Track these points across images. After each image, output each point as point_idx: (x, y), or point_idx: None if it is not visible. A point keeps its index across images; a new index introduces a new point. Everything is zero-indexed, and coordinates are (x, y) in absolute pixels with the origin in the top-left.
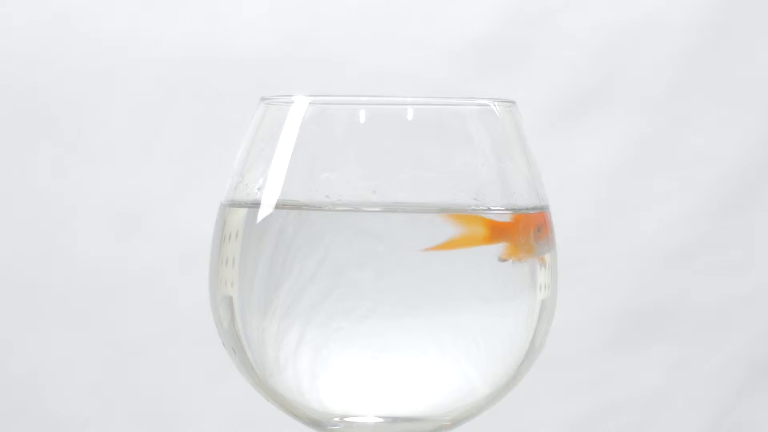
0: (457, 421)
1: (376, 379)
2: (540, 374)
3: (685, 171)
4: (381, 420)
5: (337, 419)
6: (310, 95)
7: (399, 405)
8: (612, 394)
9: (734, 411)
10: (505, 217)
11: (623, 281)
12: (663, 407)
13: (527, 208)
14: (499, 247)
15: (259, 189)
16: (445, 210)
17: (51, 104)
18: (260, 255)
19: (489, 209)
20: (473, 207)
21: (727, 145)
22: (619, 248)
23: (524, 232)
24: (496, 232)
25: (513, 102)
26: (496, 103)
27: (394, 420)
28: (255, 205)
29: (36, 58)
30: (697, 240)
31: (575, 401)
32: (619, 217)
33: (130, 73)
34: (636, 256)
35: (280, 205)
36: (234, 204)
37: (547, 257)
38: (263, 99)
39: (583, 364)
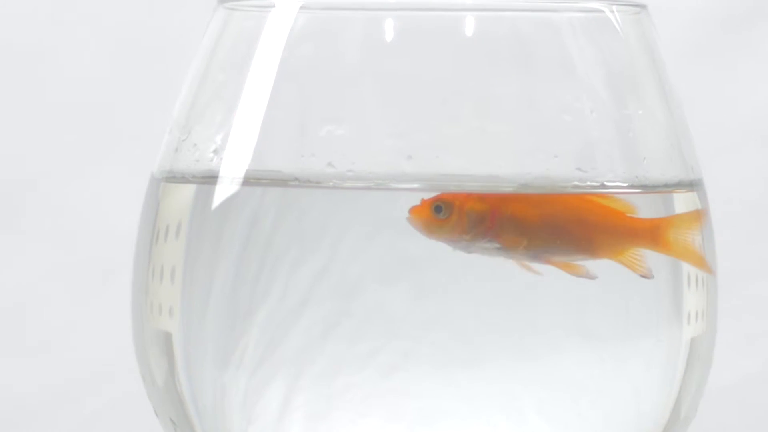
0: None
1: None
2: None
3: None
4: None
5: None
6: None
7: None
8: None
9: None
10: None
11: None
12: None
13: (666, 185)
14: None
15: (215, 152)
16: (526, 187)
17: None
18: (218, 262)
19: (603, 185)
20: (576, 182)
21: None
22: None
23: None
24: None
25: (643, 6)
26: (614, 6)
27: None
28: (210, 178)
29: None
30: None
31: None
32: None
33: None
34: None
35: (252, 179)
36: (174, 177)
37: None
38: (222, 1)
39: None
